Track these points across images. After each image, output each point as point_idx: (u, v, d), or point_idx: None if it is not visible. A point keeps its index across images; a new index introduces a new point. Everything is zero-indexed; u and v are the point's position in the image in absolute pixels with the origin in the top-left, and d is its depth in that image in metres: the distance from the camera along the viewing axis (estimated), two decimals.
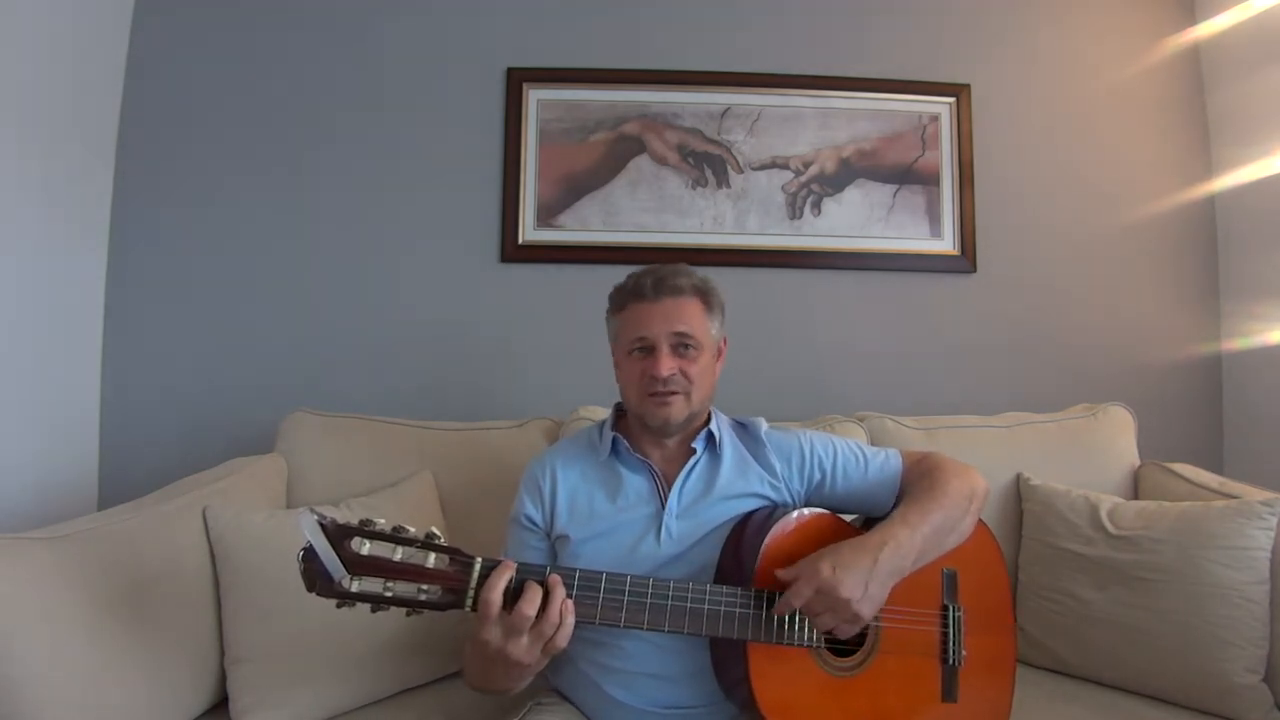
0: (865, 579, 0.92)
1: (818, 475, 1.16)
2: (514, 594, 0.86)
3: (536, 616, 0.86)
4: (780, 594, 0.95)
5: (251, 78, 1.93)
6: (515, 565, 0.88)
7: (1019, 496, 1.57)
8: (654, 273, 1.14)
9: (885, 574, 0.94)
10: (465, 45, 1.98)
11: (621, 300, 1.16)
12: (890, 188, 2.00)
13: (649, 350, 1.11)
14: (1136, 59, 2.06)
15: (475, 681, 1.03)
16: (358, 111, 1.94)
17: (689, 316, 1.12)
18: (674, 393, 1.10)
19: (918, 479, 1.12)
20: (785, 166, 1.99)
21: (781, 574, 0.95)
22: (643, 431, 1.17)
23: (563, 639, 0.88)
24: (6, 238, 1.55)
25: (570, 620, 0.88)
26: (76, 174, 1.77)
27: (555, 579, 0.89)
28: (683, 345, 1.11)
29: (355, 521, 0.82)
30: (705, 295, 1.16)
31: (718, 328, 1.18)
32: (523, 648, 0.86)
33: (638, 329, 1.12)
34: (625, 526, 1.10)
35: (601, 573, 0.92)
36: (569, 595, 0.89)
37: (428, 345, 1.91)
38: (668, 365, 1.09)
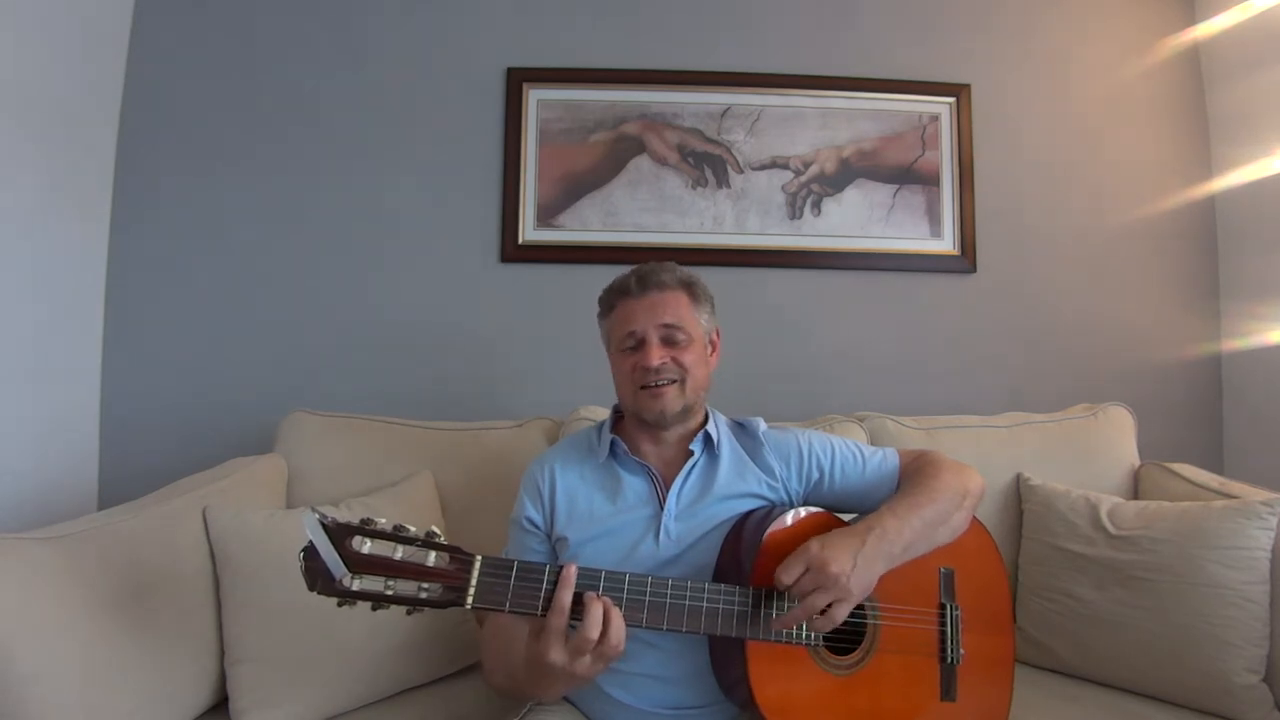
0: (854, 556, 0.93)
1: (816, 474, 1.16)
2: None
3: (599, 639, 0.86)
4: (778, 591, 0.95)
5: (251, 77, 1.93)
6: (575, 577, 0.88)
7: (1019, 496, 1.57)
8: (637, 270, 1.17)
9: (873, 556, 0.95)
10: (465, 45, 1.98)
11: (610, 300, 1.19)
12: (890, 188, 2.00)
13: (639, 345, 1.13)
14: (1136, 59, 2.06)
15: (516, 688, 1.01)
16: (357, 112, 1.95)
17: (675, 308, 1.14)
18: (669, 382, 1.12)
19: (912, 474, 1.12)
20: (785, 166, 1.99)
21: (776, 571, 0.95)
22: (641, 432, 1.17)
23: (620, 652, 0.88)
24: (6, 237, 1.55)
25: (624, 634, 0.88)
26: (76, 173, 1.77)
27: (609, 602, 0.88)
28: (672, 337, 1.13)
29: (356, 520, 0.82)
30: (690, 287, 1.18)
31: (707, 319, 1.19)
32: (586, 665, 0.87)
33: (626, 325, 1.14)
34: (624, 528, 1.10)
35: (600, 570, 0.92)
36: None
37: (428, 345, 1.92)
38: (658, 355, 1.11)
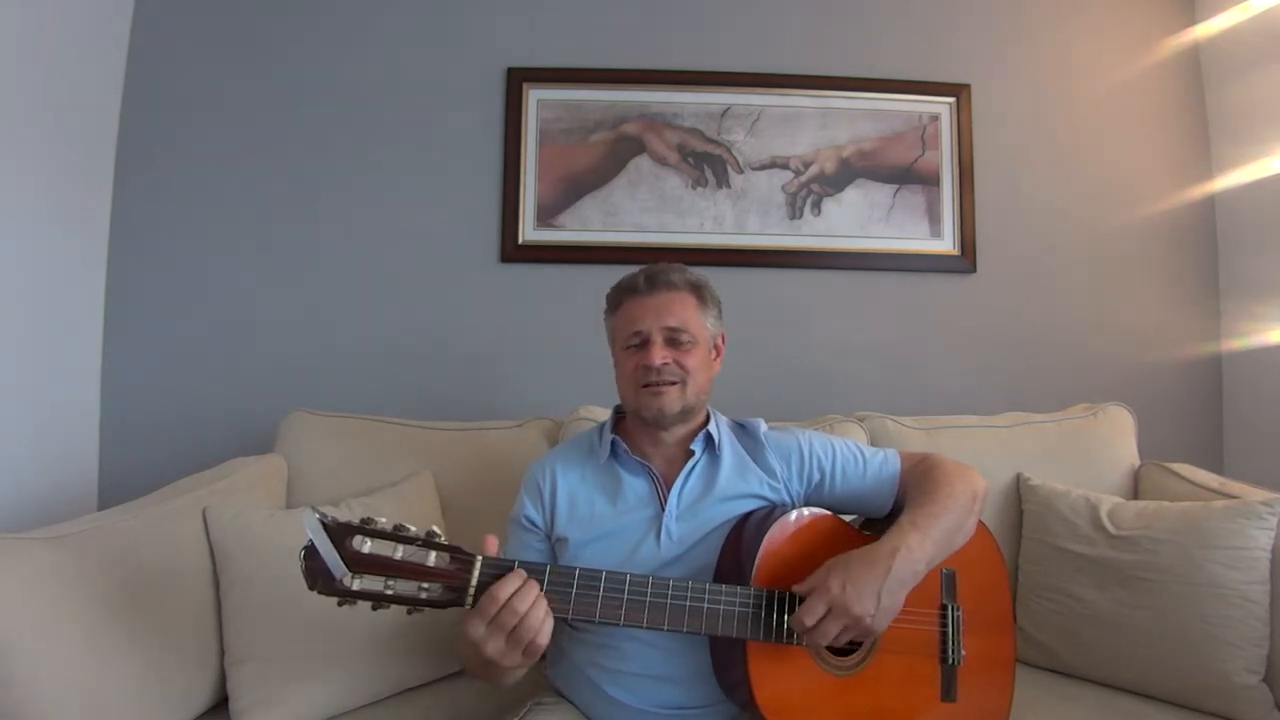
0: (877, 591, 0.91)
1: (817, 476, 1.16)
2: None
3: (516, 625, 0.85)
4: (779, 591, 0.95)
5: (251, 78, 1.93)
6: (525, 575, 0.88)
7: (1019, 496, 1.57)
8: (647, 269, 1.18)
9: (898, 583, 0.94)
10: (465, 45, 1.98)
11: (617, 298, 1.19)
12: (890, 188, 2.00)
13: (643, 344, 1.13)
14: (1136, 59, 2.06)
15: (471, 671, 1.03)
16: (358, 112, 1.95)
17: (682, 310, 1.14)
18: (669, 383, 1.11)
19: (920, 480, 1.11)
20: (785, 166, 1.99)
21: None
22: (641, 432, 1.17)
23: (544, 639, 0.87)
24: (6, 238, 1.55)
25: (549, 623, 0.87)
26: (76, 174, 1.77)
27: (521, 573, 0.87)
28: (676, 338, 1.13)
29: (356, 520, 0.82)
30: (699, 290, 1.18)
31: (713, 323, 1.19)
32: (499, 646, 0.85)
33: (632, 324, 1.14)
34: (625, 529, 1.10)
35: (601, 571, 0.92)
36: (571, 593, 0.90)
37: (428, 345, 1.92)
38: (660, 355, 1.11)
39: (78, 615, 1.02)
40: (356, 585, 0.80)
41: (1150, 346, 2.01)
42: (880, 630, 0.93)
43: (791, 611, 0.95)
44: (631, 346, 1.14)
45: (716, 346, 1.21)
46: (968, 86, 2.02)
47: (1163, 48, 2.07)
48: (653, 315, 1.13)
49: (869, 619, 0.90)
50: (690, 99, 1.99)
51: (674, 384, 1.12)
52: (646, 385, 1.12)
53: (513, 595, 0.85)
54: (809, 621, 0.91)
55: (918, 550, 0.97)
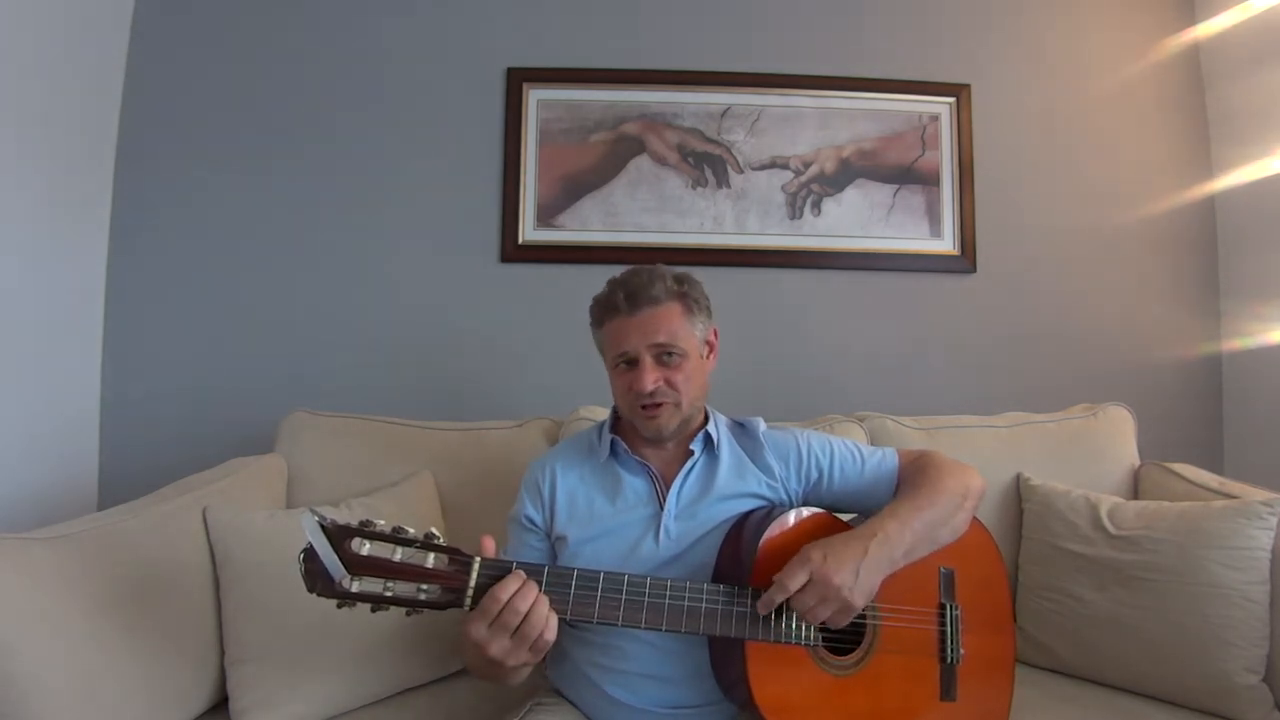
0: (856, 567, 0.93)
1: (815, 474, 1.16)
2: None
3: (519, 625, 0.85)
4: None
5: (251, 77, 1.93)
6: (525, 575, 0.88)
7: (1019, 496, 1.57)
8: (626, 284, 1.12)
9: (875, 564, 0.95)
10: (465, 45, 1.98)
11: (600, 315, 1.15)
12: (890, 188, 2.00)
13: (632, 364, 1.11)
14: (1136, 59, 2.06)
15: (475, 671, 1.04)
16: (358, 111, 1.95)
17: (668, 324, 1.10)
18: (661, 404, 1.10)
19: (912, 475, 1.12)
20: (785, 166, 1.99)
21: (777, 577, 0.95)
22: (639, 434, 1.17)
23: (551, 634, 0.87)
24: (7, 237, 1.55)
25: (554, 619, 0.88)
26: (76, 174, 1.77)
27: (521, 574, 0.88)
28: (665, 354, 1.10)
29: (355, 522, 0.82)
30: (684, 297, 1.13)
31: (702, 326, 1.16)
32: (504, 646, 0.86)
33: (619, 344, 1.11)
34: (624, 528, 1.10)
35: (599, 572, 0.92)
36: (569, 594, 0.90)
37: (428, 345, 1.92)
38: (651, 379, 1.08)
39: (78, 615, 1.02)
40: (355, 587, 0.81)
41: (1150, 346, 2.01)
42: (858, 606, 0.93)
43: (789, 612, 0.95)
44: (621, 365, 1.13)
45: (709, 344, 1.19)
46: (968, 86, 2.02)
47: (1163, 48, 2.07)
48: (638, 335, 1.09)
49: (847, 590, 0.91)
50: (690, 99, 1.99)
51: (667, 404, 1.11)
52: (644, 407, 1.11)
53: (514, 595, 0.85)
54: (791, 585, 0.92)
55: (895, 538, 0.98)
